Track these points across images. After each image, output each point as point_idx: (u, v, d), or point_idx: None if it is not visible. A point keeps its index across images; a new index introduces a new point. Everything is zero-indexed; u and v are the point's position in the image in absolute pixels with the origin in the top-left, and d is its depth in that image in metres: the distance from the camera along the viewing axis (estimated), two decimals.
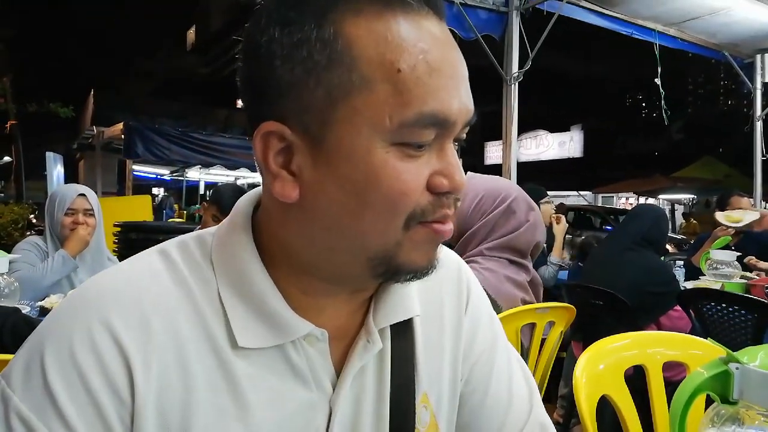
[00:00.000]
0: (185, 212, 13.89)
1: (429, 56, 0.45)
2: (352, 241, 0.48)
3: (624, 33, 4.96)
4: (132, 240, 3.29)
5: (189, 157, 8.14)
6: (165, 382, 0.47)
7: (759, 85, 5.99)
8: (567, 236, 3.77)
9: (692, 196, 15.33)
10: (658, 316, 2.37)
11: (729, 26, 4.99)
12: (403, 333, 0.59)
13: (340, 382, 0.54)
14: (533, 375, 0.73)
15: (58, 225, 2.15)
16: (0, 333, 1.23)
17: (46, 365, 0.45)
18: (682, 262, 3.62)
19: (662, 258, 2.71)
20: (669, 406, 0.61)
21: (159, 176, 13.95)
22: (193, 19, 24.68)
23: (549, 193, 3.45)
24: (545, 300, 1.85)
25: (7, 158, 16.79)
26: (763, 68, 5.98)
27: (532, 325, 1.69)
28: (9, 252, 2.00)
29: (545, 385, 1.81)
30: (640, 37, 5.04)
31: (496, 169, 3.75)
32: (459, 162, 0.49)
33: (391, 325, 0.57)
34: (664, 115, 5.37)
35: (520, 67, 4.51)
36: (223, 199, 2.61)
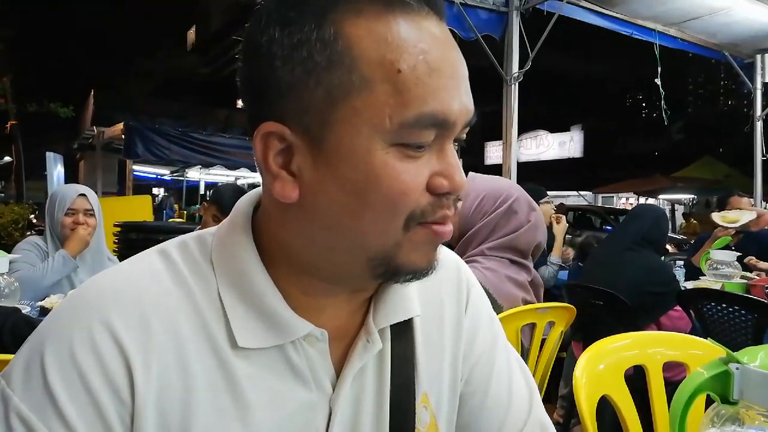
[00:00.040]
0: (185, 212, 13.89)
1: (429, 56, 0.45)
2: (352, 241, 0.48)
3: (624, 33, 4.97)
4: (132, 240, 3.29)
5: (189, 157, 8.14)
6: (165, 382, 0.47)
7: (759, 85, 5.99)
8: (567, 236, 3.76)
9: (692, 196, 15.32)
10: (659, 316, 2.37)
11: (729, 26, 4.99)
12: (403, 333, 0.59)
13: (339, 382, 0.54)
14: (533, 375, 0.73)
15: (59, 225, 2.15)
16: (0, 333, 1.23)
17: (46, 365, 0.45)
18: (682, 262, 3.62)
19: (662, 258, 2.71)
20: (669, 407, 0.61)
21: (159, 176, 13.95)
22: (193, 19, 24.67)
23: (549, 193, 3.45)
24: (545, 300, 1.85)
25: (7, 158, 16.78)
26: (763, 68, 5.98)
27: (533, 325, 1.69)
28: (9, 252, 2.00)
29: (545, 385, 1.81)
30: (641, 37, 5.04)
31: (496, 169, 3.75)
32: (459, 162, 0.49)
33: (391, 326, 0.57)
34: (664, 115, 5.37)
35: (521, 67, 4.52)
36: (223, 199, 2.61)
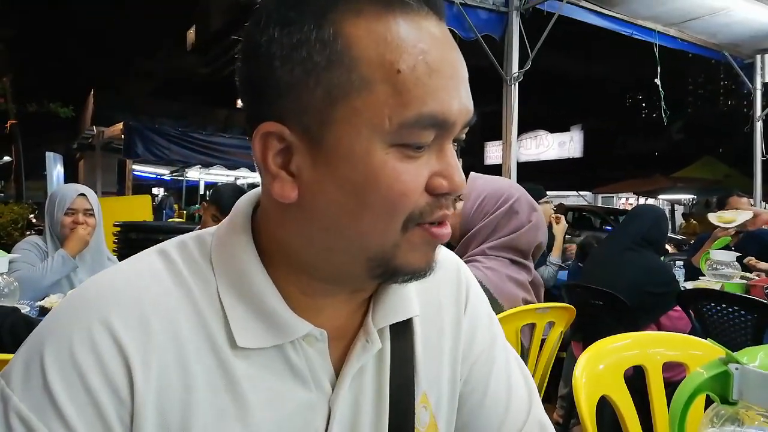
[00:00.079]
0: (185, 212, 13.89)
1: (429, 57, 0.45)
2: (351, 241, 0.48)
3: (624, 33, 4.97)
4: (132, 240, 3.29)
5: (189, 157, 8.14)
6: (164, 382, 0.47)
7: (759, 86, 5.99)
8: (567, 236, 3.76)
9: (692, 196, 15.33)
10: (658, 316, 2.37)
11: (729, 26, 4.99)
12: (402, 333, 0.59)
13: (338, 382, 0.54)
14: (533, 375, 0.73)
15: (58, 225, 2.15)
16: None
17: (45, 365, 0.45)
18: (682, 263, 3.62)
19: (662, 258, 2.71)
20: (669, 407, 0.61)
21: (159, 176, 13.96)
22: (193, 19, 24.67)
23: (549, 193, 3.45)
24: (545, 300, 1.85)
25: (7, 158, 16.78)
26: (763, 68, 5.98)
27: (532, 326, 1.69)
28: (9, 252, 2.01)
29: (545, 385, 1.81)
30: (640, 38, 5.05)
31: (496, 169, 3.75)
32: (458, 163, 0.49)
33: (390, 326, 0.57)
34: (663, 115, 5.37)
35: (520, 67, 4.52)
36: (222, 199, 2.61)
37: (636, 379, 1.06)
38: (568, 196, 18.21)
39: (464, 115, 0.48)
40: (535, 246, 1.68)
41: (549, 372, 1.80)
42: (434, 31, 0.46)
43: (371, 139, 0.45)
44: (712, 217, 3.20)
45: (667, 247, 5.65)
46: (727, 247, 3.01)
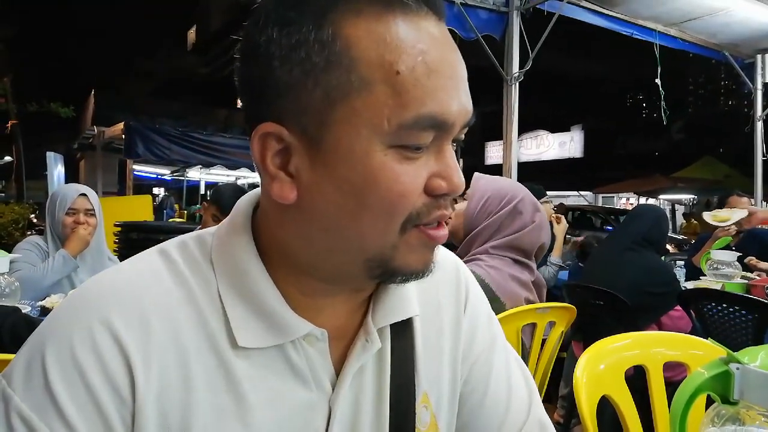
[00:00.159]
0: (186, 212, 13.89)
1: (428, 57, 0.45)
2: (350, 242, 0.48)
3: (624, 33, 4.97)
4: (132, 240, 3.30)
5: (189, 157, 8.14)
6: (165, 382, 0.47)
7: (759, 86, 5.99)
8: (567, 236, 3.76)
9: (693, 196, 15.31)
10: (659, 316, 2.37)
11: (729, 26, 4.99)
12: (402, 333, 0.59)
13: (339, 381, 0.54)
14: (534, 375, 0.73)
15: (59, 225, 2.16)
16: None
17: (46, 365, 0.45)
18: (682, 263, 3.62)
19: (663, 258, 2.71)
20: (669, 407, 0.61)
21: (159, 176, 13.96)
22: (193, 19, 24.68)
23: (549, 193, 3.45)
24: (546, 300, 1.85)
25: (7, 158, 16.78)
26: (763, 68, 5.98)
27: (533, 325, 1.69)
28: (10, 252, 2.01)
29: (546, 385, 1.81)
30: (641, 38, 5.05)
31: (496, 169, 3.75)
32: (457, 163, 0.49)
33: (390, 325, 0.57)
34: (663, 115, 5.37)
35: (521, 67, 4.52)
36: (223, 199, 2.61)
37: (637, 378, 1.06)
38: (568, 196, 18.21)
39: (463, 115, 0.47)
40: (538, 247, 1.68)
41: (549, 372, 1.80)
42: (433, 31, 0.46)
43: (370, 140, 0.44)
44: (707, 216, 3.20)
45: (668, 247, 5.65)
46: (727, 247, 3.01)
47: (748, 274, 2.89)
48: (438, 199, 0.48)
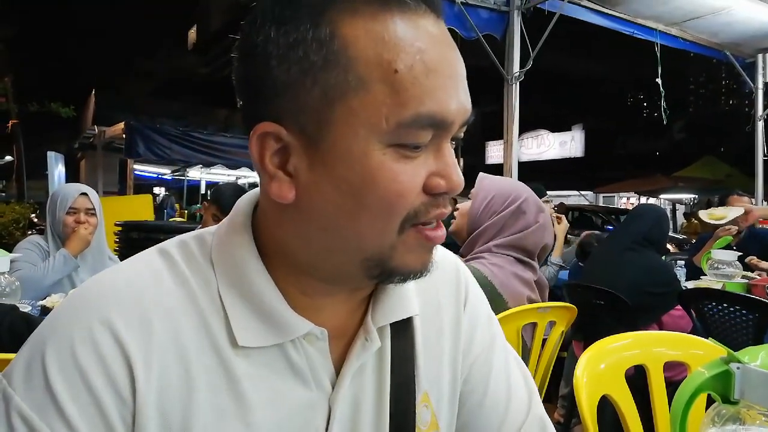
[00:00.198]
0: (186, 212, 13.90)
1: (426, 56, 0.44)
2: (349, 242, 0.48)
3: (625, 32, 4.97)
4: (133, 239, 3.29)
5: (190, 156, 8.14)
6: (166, 382, 0.47)
7: (761, 85, 5.99)
8: (567, 236, 3.76)
9: (693, 195, 15.29)
10: (659, 316, 2.37)
11: (730, 26, 4.98)
12: (402, 332, 0.59)
13: (339, 380, 0.54)
14: (534, 375, 0.73)
15: (60, 224, 2.16)
16: None
17: (47, 365, 0.45)
18: (683, 262, 3.62)
19: (663, 258, 2.71)
20: (670, 406, 0.61)
21: (160, 176, 13.97)
22: (193, 19, 24.67)
23: (550, 192, 3.45)
24: (548, 300, 1.85)
25: (8, 158, 16.77)
26: (764, 68, 5.98)
27: (534, 325, 1.69)
28: (10, 251, 2.01)
29: (546, 385, 1.81)
30: (642, 37, 5.04)
31: (497, 169, 3.75)
32: (456, 162, 0.48)
33: (390, 325, 0.57)
34: (664, 114, 5.37)
35: (522, 66, 4.52)
36: (223, 198, 2.61)
37: (637, 378, 1.06)
38: (569, 195, 18.19)
39: (462, 114, 0.47)
40: (541, 247, 1.68)
41: (550, 372, 1.80)
42: (432, 29, 0.46)
43: (368, 140, 0.44)
44: (703, 215, 3.20)
45: (669, 246, 5.64)
46: (728, 247, 3.01)
47: (749, 274, 2.89)
48: (437, 197, 0.48)
